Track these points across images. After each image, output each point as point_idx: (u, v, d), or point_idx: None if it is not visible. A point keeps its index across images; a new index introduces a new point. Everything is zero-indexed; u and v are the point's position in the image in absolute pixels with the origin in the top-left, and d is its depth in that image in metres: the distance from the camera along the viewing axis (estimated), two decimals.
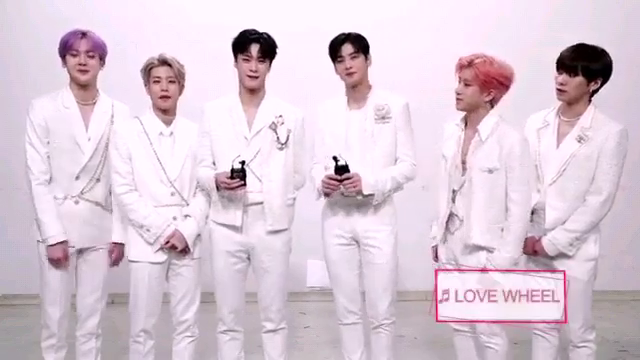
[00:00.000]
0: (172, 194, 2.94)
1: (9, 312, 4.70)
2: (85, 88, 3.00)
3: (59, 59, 2.98)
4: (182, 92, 3.00)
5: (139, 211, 2.90)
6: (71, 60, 2.94)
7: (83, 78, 2.96)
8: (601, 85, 2.75)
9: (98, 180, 2.99)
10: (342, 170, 2.86)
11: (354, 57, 2.93)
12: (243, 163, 2.82)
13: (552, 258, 2.79)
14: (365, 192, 2.88)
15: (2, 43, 4.74)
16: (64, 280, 2.98)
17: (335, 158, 2.86)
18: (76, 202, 2.95)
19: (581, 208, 2.73)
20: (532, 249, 2.83)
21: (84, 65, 2.93)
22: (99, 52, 2.99)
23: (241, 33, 2.95)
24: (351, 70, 2.94)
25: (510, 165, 2.63)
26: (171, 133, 2.97)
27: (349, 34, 2.97)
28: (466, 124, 2.78)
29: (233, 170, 2.81)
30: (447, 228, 2.81)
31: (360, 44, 2.95)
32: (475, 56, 2.67)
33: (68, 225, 2.93)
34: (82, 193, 2.95)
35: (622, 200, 4.76)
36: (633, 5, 5.01)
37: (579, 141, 2.73)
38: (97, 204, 3.00)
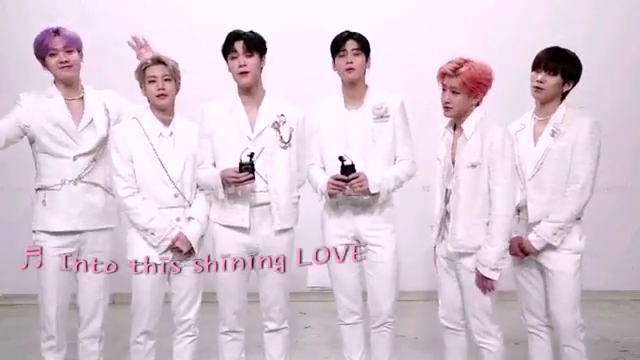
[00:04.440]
0: (175, 195, 2.93)
1: (9, 312, 4.70)
2: (70, 85, 3.02)
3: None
4: (178, 90, 2.99)
5: (143, 215, 2.88)
6: (51, 60, 2.96)
7: (68, 74, 2.98)
8: (572, 87, 2.85)
9: (94, 160, 3.01)
10: (349, 170, 2.86)
11: (356, 54, 2.96)
12: (252, 156, 2.80)
13: (539, 253, 2.81)
14: (372, 191, 2.90)
15: (2, 43, 4.74)
16: (61, 279, 2.98)
17: (341, 158, 2.86)
18: (75, 184, 2.97)
19: (561, 200, 2.79)
20: (519, 248, 2.84)
21: (66, 62, 2.95)
22: (76, 46, 3.00)
23: (225, 36, 2.93)
24: (352, 66, 2.95)
25: (491, 158, 2.67)
26: (171, 133, 2.96)
27: (354, 32, 3.00)
28: (455, 125, 2.82)
29: (242, 164, 2.78)
30: (444, 227, 2.83)
31: (363, 43, 2.99)
32: (457, 64, 2.68)
33: (68, 208, 2.95)
34: (80, 177, 2.98)
35: (622, 200, 4.81)
36: (633, 5, 5.00)
37: (552, 135, 2.81)
38: (96, 185, 3.02)
